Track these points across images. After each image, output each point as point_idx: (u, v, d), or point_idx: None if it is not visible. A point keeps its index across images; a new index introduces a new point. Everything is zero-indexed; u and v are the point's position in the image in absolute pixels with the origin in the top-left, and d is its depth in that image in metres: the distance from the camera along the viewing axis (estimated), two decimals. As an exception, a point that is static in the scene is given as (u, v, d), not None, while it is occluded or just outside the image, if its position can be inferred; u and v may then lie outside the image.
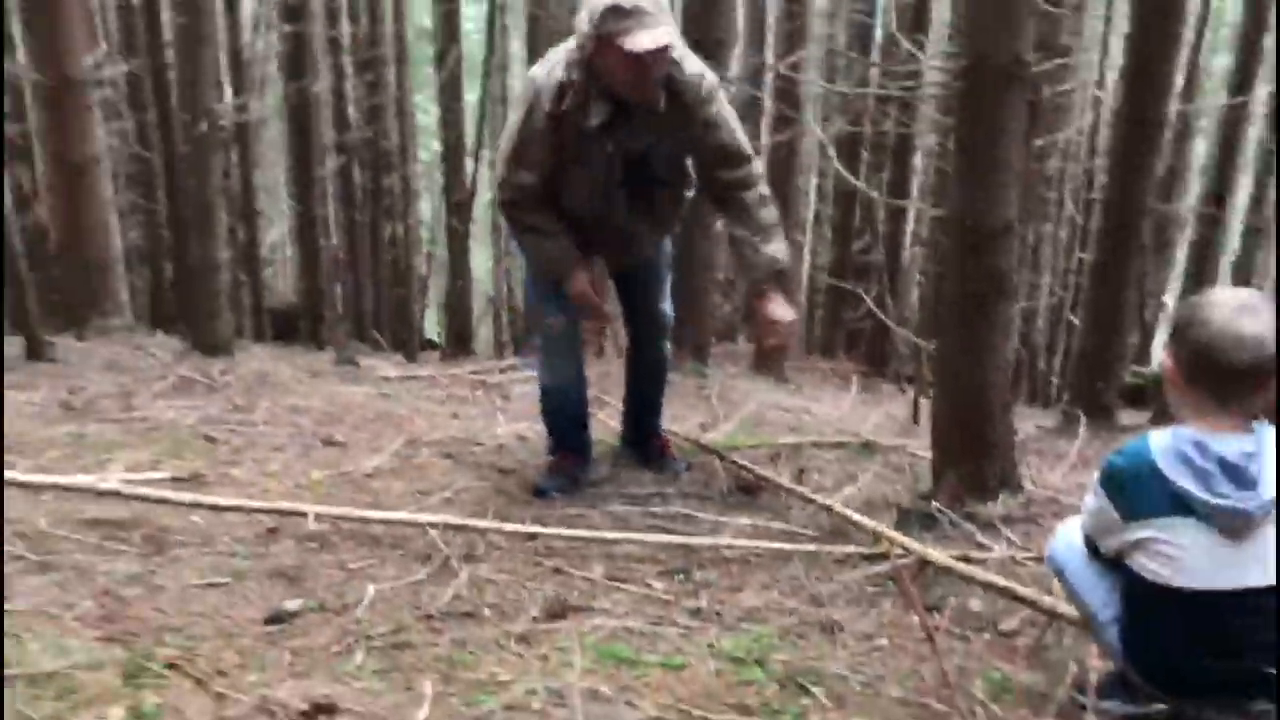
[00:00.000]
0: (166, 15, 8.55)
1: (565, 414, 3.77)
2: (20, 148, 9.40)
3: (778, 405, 6.00)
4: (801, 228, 12.34)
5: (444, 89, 11.66)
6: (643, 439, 4.04)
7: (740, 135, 3.45)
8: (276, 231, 15.25)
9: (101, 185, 6.35)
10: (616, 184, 3.42)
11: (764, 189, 3.47)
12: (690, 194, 3.67)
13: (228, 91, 9.18)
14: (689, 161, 3.57)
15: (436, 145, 13.68)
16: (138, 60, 9.26)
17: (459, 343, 11.72)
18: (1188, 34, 9.29)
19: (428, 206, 17.11)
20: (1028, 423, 5.23)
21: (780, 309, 3.40)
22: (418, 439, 4.27)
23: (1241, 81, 9.46)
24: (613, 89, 3.22)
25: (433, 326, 15.10)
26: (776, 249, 3.42)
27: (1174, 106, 5.21)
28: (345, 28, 10.94)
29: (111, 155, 9.93)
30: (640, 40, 3.03)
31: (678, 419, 5.05)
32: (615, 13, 3.04)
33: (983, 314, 3.35)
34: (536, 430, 4.44)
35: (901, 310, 10.90)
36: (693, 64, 3.34)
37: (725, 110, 3.41)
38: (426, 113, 16.05)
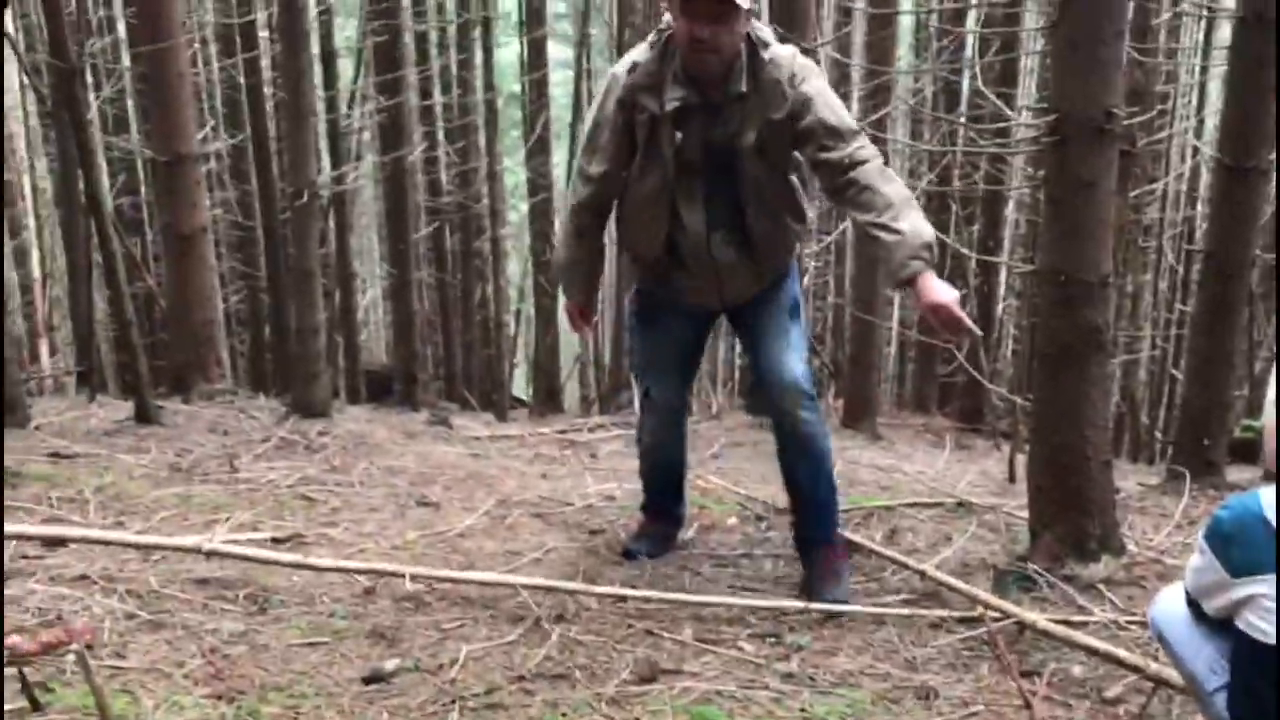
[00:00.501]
0: (269, 89, 8.95)
1: (660, 473, 3.68)
2: (133, 219, 9.92)
3: (870, 463, 5.92)
4: (890, 281, 12.20)
5: (532, 152, 11.98)
6: (802, 539, 3.41)
7: (843, 111, 3.08)
8: (370, 294, 15.69)
9: (208, 254, 6.64)
10: (693, 180, 3.10)
11: (881, 162, 3.02)
12: (800, 227, 3.31)
13: (326, 161, 9.54)
14: (795, 180, 3.21)
15: (524, 206, 14.02)
16: (241, 133, 9.71)
17: (548, 399, 11.88)
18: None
19: (516, 266, 17.48)
20: (1130, 480, 5.07)
21: (941, 290, 2.83)
22: (508, 499, 4.32)
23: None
24: (689, 67, 3.02)
25: (522, 385, 15.32)
26: (915, 222, 2.87)
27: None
28: (438, 96, 11.31)
29: (214, 224, 10.41)
30: None
31: (767, 479, 5.02)
32: None
33: (1077, 369, 3.30)
34: (625, 489, 4.46)
35: (995, 364, 10.68)
36: (782, 46, 3.12)
37: (822, 85, 3.07)
38: (515, 174, 16.47)
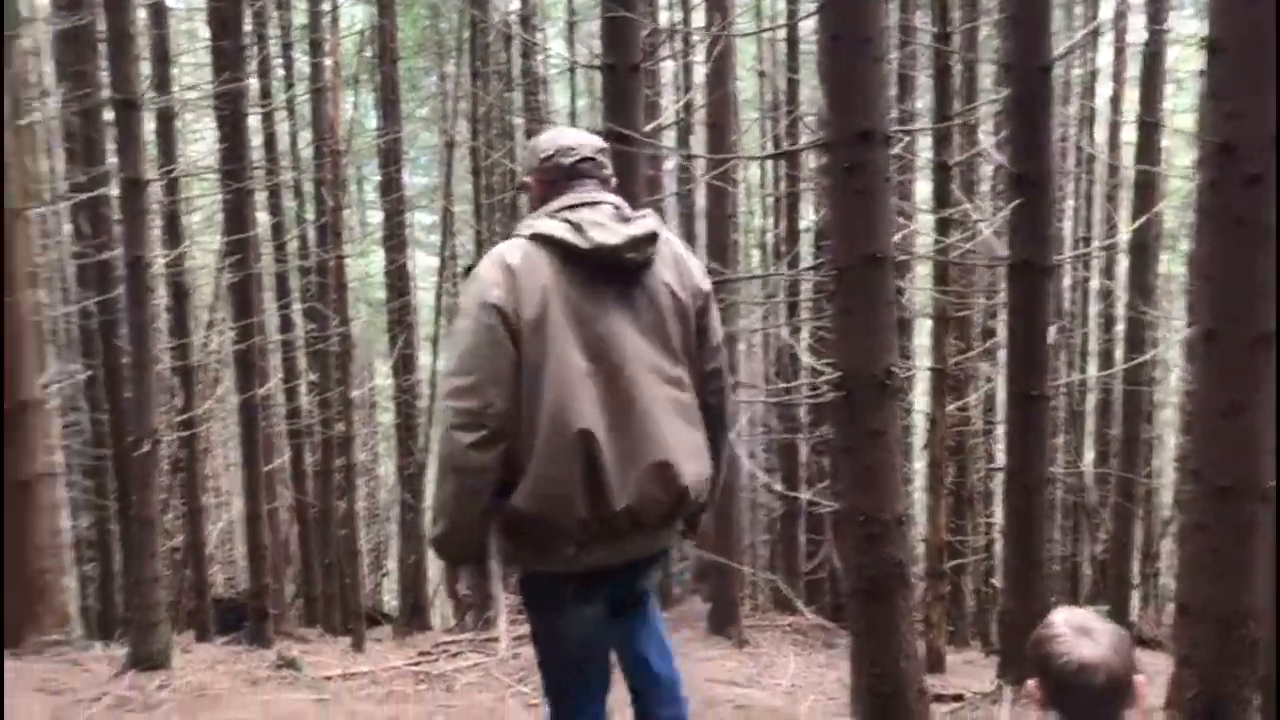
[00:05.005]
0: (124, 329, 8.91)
1: None
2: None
3: (729, 678, 6.00)
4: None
5: (397, 367, 12.14)
6: None
7: None
8: (227, 516, 15.23)
9: (48, 502, 6.46)
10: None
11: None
12: None
13: (179, 396, 9.44)
14: None
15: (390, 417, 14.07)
16: (94, 361, 9.55)
17: (413, 616, 11.65)
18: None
19: (389, 470, 17.23)
20: (974, 679, 5.25)
21: None
22: (352, 753, 4.23)
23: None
24: None
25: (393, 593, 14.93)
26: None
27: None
28: (299, 330, 11.42)
29: (64, 448, 10.09)
30: None
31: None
32: None
33: (886, 603, 3.53)
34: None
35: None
36: None
37: None
38: (387, 378, 16.53)
